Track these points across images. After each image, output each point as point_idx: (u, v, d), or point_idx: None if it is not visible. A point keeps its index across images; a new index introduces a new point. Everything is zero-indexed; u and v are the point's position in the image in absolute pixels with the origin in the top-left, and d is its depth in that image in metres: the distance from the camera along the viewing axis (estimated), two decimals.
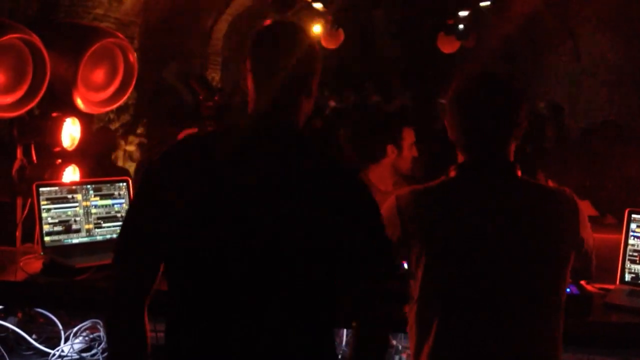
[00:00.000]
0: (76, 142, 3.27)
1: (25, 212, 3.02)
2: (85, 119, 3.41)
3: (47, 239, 2.80)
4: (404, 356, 2.94)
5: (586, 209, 2.00)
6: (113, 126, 5.85)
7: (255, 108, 1.77)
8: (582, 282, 2.46)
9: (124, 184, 2.98)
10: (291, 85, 1.74)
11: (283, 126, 1.75)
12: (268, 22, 1.82)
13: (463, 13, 6.81)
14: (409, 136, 3.81)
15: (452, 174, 1.97)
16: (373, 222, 1.76)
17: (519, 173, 1.95)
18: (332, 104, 9.15)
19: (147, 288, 1.71)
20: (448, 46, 6.83)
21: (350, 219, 1.70)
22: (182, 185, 1.68)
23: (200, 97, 4.10)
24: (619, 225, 2.74)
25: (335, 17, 7.19)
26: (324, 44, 7.40)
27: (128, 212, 1.83)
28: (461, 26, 6.56)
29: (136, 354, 1.71)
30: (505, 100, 1.93)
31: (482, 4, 6.72)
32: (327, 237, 1.68)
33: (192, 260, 1.70)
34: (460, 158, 1.99)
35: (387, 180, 3.84)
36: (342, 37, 7.35)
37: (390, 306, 1.78)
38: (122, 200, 2.97)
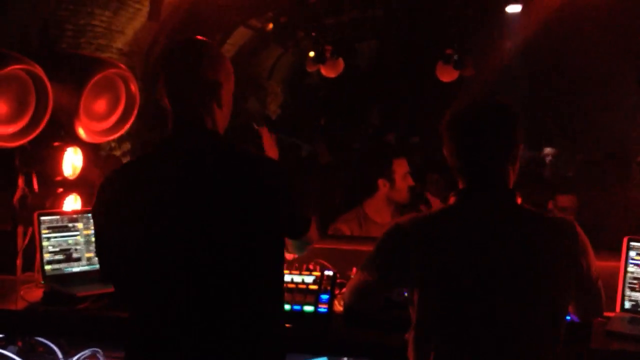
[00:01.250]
0: (78, 171, 3.29)
1: (26, 240, 3.03)
2: (90, 148, 3.43)
3: (47, 267, 2.81)
4: None
5: None
6: (115, 154, 5.87)
7: (173, 122, 1.92)
8: None
9: None
10: (200, 96, 1.88)
11: (199, 135, 1.89)
12: (177, 40, 2.02)
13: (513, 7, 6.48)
14: (400, 167, 3.78)
15: (452, 200, 1.99)
16: (292, 207, 1.95)
17: (519, 200, 1.96)
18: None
19: None
20: (446, 75, 6.85)
21: (272, 208, 1.87)
22: (117, 206, 1.86)
23: None
24: (599, 252, 2.75)
25: (335, 47, 7.23)
26: (323, 73, 7.44)
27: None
28: (456, 56, 6.55)
29: None
30: (499, 124, 1.96)
31: (510, 8, 6.50)
32: (257, 231, 1.85)
33: (137, 278, 1.87)
34: (460, 184, 2.01)
35: (383, 212, 3.81)
36: (342, 66, 7.38)
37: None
38: None
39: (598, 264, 2.01)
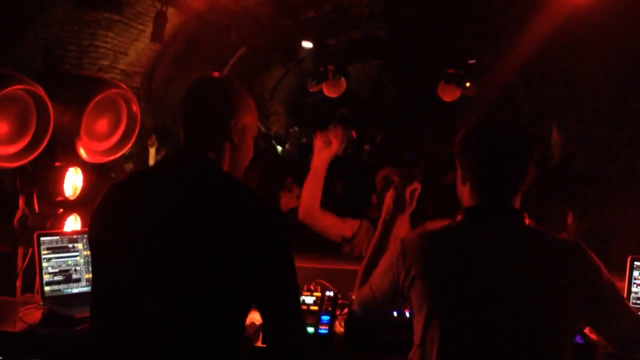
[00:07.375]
0: (78, 191, 3.28)
1: (26, 261, 3.01)
2: (93, 167, 3.42)
3: (47, 288, 2.79)
4: None
5: None
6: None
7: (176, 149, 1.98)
8: (586, 331, 2.42)
9: None
10: (209, 133, 1.90)
11: (192, 163, 1.87)
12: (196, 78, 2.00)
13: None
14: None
15: (459, 217, 1.97)
16: (279, 267, 1.74)
17: (527, 220, 1.94)
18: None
19: None
20: (448, 95, 6.88)
21: (254, 259, 1.70)
22: (101, 228, 1.85)
23: None
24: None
25: (337, 67, 7.27)
26: (326, 92, 7.48)
27: None
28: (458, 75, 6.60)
29: None
30: (521, 145, 1.94)
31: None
32: (228, 275, 1.70)
33: (104, 300, 1.81)
34: (466, 200, 1.99)
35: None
36: (344, 86, 7.42)
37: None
38: None
39: None
